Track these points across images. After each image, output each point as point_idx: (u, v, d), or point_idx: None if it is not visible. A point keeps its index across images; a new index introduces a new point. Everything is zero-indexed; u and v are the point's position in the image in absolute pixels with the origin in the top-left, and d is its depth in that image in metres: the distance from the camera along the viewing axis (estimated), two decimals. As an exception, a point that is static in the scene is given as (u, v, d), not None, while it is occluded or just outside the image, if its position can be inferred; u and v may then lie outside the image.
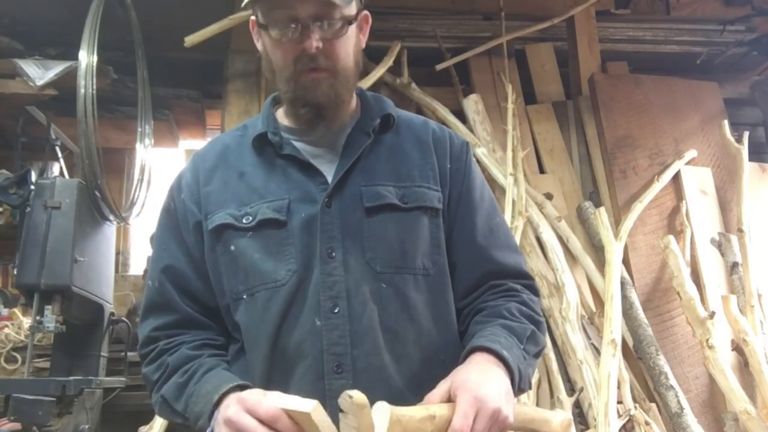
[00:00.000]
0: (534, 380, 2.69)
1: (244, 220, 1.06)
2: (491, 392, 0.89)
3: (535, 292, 1.15)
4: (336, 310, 1.01)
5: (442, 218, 1.11)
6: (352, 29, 1.07)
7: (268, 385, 0.98)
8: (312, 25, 1.01)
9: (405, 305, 1.04)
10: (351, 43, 1.07)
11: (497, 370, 0.95)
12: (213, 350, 1.07)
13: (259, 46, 1.12)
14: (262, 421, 0.83)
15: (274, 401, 0.83)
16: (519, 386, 0.99)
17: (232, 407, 0.86)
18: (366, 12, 1.13)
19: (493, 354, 0.97)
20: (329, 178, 1.07)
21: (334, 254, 1.03)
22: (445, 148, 1.16)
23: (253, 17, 1.09)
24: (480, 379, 0.91)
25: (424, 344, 1.05)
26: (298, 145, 1.11)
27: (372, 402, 0.82)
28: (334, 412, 0.86)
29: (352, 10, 1.06)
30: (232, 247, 1.06)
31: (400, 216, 1.06)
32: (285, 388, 0.93)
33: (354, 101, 1.16)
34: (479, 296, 1.12)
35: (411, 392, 0.99)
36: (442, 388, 0.91)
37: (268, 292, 1.03)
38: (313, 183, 1.07)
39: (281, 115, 1.17)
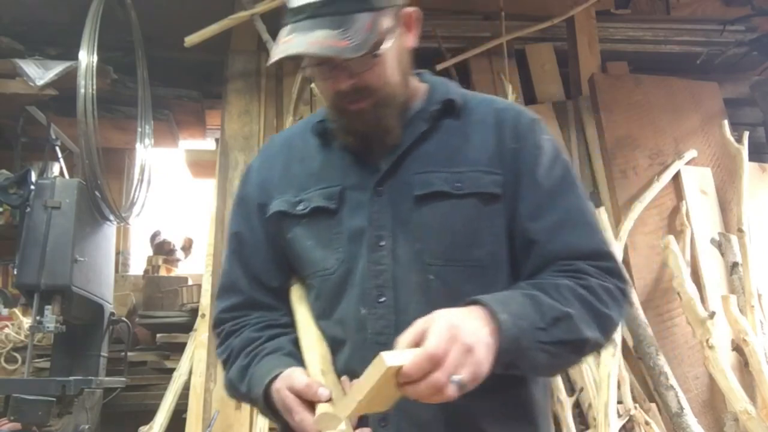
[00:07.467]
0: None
1: (298, 207, 1.08)
2: (470, 327, 0.82)
3: (614, 274, 1.00)
4: (382, 299, 0.99)
5: (503, 204, 1.03)
6: (387, 48, 1.01)
7: None
8: (341, 65, 0.98)
9: (454, 299, 0.91)
10: (387, 63, 1.02)
11: (481, 322, 0.85)
12: (276, 330, 1.09)
13: None
14: (298, 394, 0.90)
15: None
16: (513, 362, 0.88)
17: (277, 382, 0.94)
18: (408, 9, 1.05)
19: (487, 310, 0.87)
20: (384, 166, 1.05)
21: (383, 243, 1.01)
22: (509, 128, 1.07)
23: None
24: (457, 314, 0.84)
25: None
26: None
27: None
28: None
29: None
30: (289, 235, 1.09)
31: (453, 204, 1.01)
32: None
33: (418, 88, 1.12)
34: (541, 275, 1.00)
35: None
36: (414, 329, 0.84)
37: (318, 279, 1.05)
38: (367, 170, 1.06)
39: None
